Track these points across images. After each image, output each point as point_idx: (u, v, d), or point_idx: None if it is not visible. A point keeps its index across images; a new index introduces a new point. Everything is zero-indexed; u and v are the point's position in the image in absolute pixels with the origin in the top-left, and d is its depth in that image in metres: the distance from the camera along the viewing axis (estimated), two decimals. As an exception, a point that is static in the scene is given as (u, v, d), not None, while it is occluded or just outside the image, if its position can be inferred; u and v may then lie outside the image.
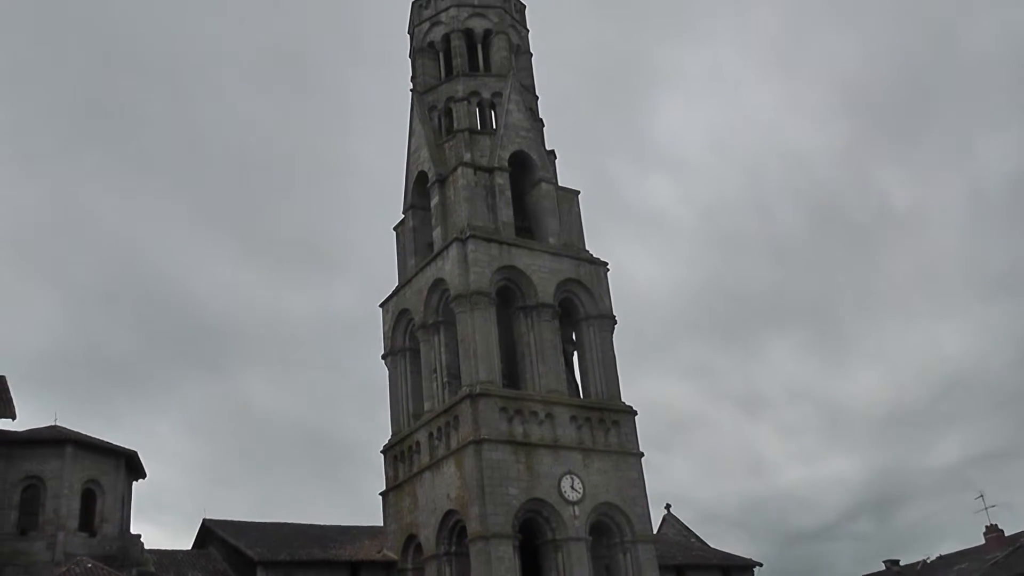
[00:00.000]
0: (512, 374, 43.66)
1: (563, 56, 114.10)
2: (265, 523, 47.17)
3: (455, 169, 46.27)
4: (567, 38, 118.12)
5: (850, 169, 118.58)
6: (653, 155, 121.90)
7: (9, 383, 41.20)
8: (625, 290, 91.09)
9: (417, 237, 48.71)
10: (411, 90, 50.85)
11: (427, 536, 41.65)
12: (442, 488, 40.99)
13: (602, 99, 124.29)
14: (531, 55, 52.91)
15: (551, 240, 46.25)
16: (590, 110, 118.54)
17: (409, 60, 52.95)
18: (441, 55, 51.29)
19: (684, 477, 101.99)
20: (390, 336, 47.89)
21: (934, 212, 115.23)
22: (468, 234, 43.44)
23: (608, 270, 46.71)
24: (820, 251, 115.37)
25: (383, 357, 47.89)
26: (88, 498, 41.55)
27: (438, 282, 44.57)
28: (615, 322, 45.57)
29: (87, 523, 41.13)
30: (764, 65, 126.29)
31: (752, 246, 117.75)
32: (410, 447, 44.34)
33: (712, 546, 56.80)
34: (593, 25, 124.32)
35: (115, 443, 43.48)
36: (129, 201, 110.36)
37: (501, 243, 44.31)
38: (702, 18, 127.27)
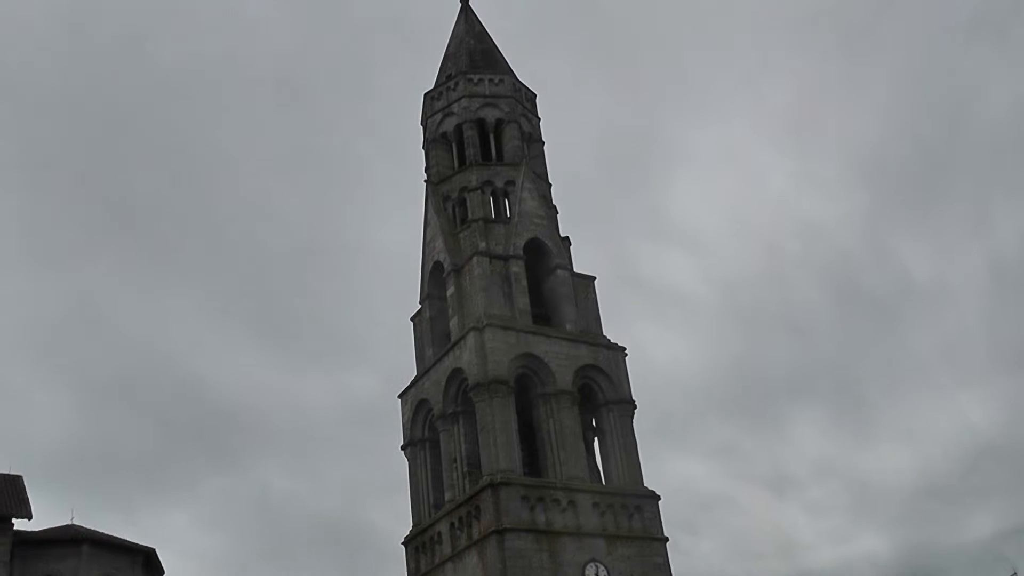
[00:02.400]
0: (533, 462, 43.29)
1: (578, 135, 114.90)
2: (285, 619, 46.52)
3: (470, 258, 46.35)
4: (582, 117, 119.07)
5: (869, 242, 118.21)
6: (671, 233, 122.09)
7: (26, 481, 41.08)
8: (647, 370, 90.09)
9: (434, 327, 48.60)
10: (425, 181, 51.14)
11: (450, 629, 40.97)
12: (465, 579, 40.41)
13: (618, 177, 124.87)
14: (543, 143, 53.25)
15: (568, 327, 46.13)
16: (606, 188, 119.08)
17: (423, 151, 53.29)
18: (454, 145, 51.58)
19: (712, 559, 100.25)
20: (409, 427, 47.59)
21: (955, 283, 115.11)
22: (485, 323, 43.38)
23: (626, 355, 46.54)
24: (842, 325, 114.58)
25: (403, 448, 47.58)
26: (105, 598, 41.12)
27: (456, 372, 44.42)
28: (635, 407, 45.26)
29: (104, 623, 40.67)
30: (778, 139, 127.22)
31: (773, 322, 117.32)
32: (431, 538, 43.79)
33: (739, 634, 55.86)
34: (607, 103, 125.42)
35: (132, 540, 43.14)
36: (146, 294, 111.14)
37: (518, 331, 44.21)
38: (716, 94, 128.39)
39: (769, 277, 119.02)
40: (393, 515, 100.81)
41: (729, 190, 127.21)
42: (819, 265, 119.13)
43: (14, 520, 39.00)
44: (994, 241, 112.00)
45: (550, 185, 51.78)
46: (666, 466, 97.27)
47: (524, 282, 46.32)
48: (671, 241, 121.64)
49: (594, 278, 49.23)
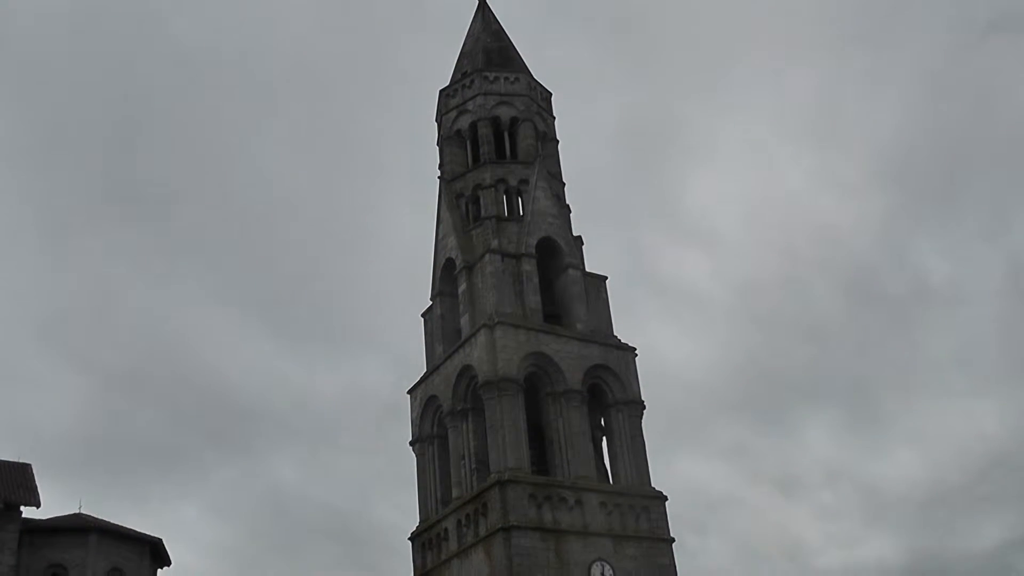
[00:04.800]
0: (541, 460, 43.35)
1: (595, 129, 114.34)
2: (291, 613, 46.47)
3: (482, 256, 46.38)
4: (600, 110, 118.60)
5: (886, 243, 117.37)
6: (687, 231, 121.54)
7: (35, 469, 41.18)
8: (659, 370, 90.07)
9: (445, 324, 48.61)
10: (439, 177, 51.18)
11: (455, 626, 41.04)
12: (471, 576, 40.46)
13: (635, 172, 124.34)
14: (557, 142, 53.24)
15: (579, 326, 46.13)
16: (623, 183, 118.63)
17: (437, 148, 53.34)
18: (468, 143, 51.62)
19: (720, 560, 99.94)
20: (418, 423, 47.62)
21: (971, 287, 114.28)
22: (496, 321, 43.41)
23: (636, 355, 46.52)
24: (856, 328, 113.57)
25: (411, 444, 47.62)
26: (112, 587, 41.18)
27: (466, 369, 44.45)
28: (644, 407, 45.27)
29: (111, 612, 40.75)
30: (798, 137, 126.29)
31: (787, 323, 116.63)
32: (438, 534, 43.83)
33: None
34: (626, 97, 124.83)
35: (140, 530, 43.17)
36: (158, 282, 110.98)
37: (529, 329, 44.25)
38: (735, 90, 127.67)
39: (784, 278, 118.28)
40: (400, 510, 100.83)
41: (747, 188, 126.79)
42: (835, 267, 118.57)
43: (22, 508, 39.06)
44: (1011, 244, 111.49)
45: (564, 184, 51.80)
46: (676, 466, 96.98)
47: (536, 281, 46.34)
48: (687, 239, 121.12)
49: (606, 278, 49.23)
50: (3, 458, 41.59)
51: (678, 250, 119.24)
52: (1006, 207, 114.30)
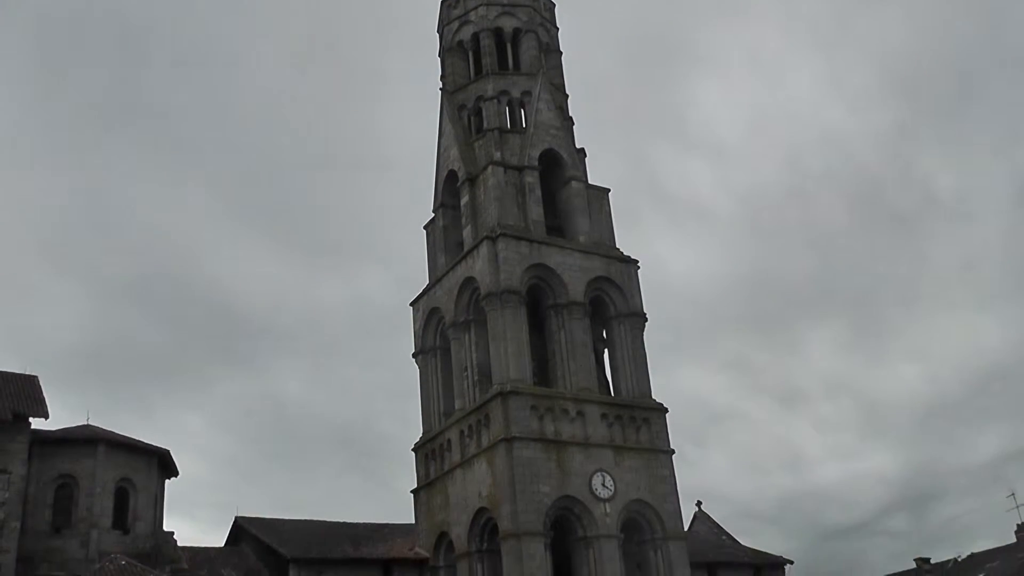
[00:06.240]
0: (543, 372, 43.68)
1: (601, 37, 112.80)
2: (297, 520, 47.08)
3: (485, 168, 46.28)
4: (605, 19, 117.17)
5: (893, 155, 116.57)
6: (691, 140, 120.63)
7: (41, 381, 41.47)
8: (663, 282, 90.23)
9: (447, 236, 48.70)
10: (440, 89, 50.85)
11: (459, 534, 41.67)
12: (473, 486, 41.01)
13: (638, 83, 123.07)
14: (561, 53, 52.86)
15: (581, 238, 46.18)
16: (628, 92, 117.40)
17: (439, 59, 52.94)
18: (470, 54, 51.23)
19: (720, 472, 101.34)
20: (421, 335, 47.92)
21: (978, 200, 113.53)
22: (498, 232, 43.44)
23: (639, 268, 46.59)
24: (861, 240, 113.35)
25: (414, 356, 47.95)
26: (121, 496, 41.75)
27: (468, 281, 44.59)
28: (645, 320, 45.46)
29: (120, 521, 41.36)
30: (805, 46, 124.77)
31: (792, 235, 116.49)
32: (441, 445, 44.39)
33: (744, 543, 56.33)
34: (630, 6, 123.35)
35: (147, 441, 43.63)
36: (162, 194, 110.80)
37: (531, 241, 44.28)
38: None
39: (789, 190, 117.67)
40: (404, 421, 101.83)
41: (753, 98, 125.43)
42: (841, 179, 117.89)
43: (31, 420, 39.40)
44: (1020, 159, 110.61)
45: (567, 96, 51.53)
46: (677, 379, 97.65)
47: (538, 193, 46.30)
48: (691, 151, 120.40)
49: (608, 190, 49.11)
50: (10, 370, 41.96)
51: (682, 161, 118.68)
52: (1015, 121, 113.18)
